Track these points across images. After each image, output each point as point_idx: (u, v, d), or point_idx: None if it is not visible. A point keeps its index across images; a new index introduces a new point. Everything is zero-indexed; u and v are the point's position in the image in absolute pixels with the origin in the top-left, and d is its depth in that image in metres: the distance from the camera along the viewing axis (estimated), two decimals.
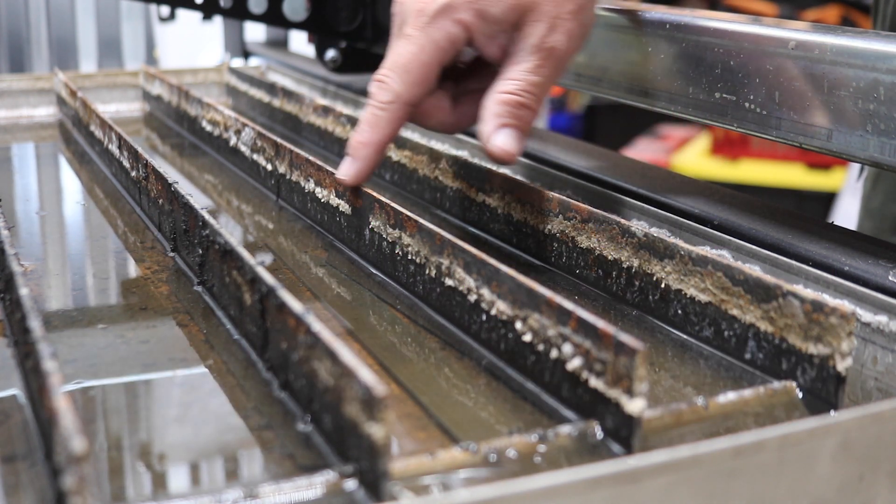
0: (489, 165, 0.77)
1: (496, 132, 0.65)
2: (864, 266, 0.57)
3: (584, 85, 0.77)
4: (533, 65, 0.65)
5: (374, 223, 0.67)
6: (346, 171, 0.68)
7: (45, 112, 1.24)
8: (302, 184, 0.78)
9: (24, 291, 0.51)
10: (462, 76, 0.71)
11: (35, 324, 0.47)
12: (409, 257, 0.62)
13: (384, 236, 0.65)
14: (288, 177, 0.81)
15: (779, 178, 3.01)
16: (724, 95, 0.63)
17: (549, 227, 0.67)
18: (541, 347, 0.49)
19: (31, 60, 1.88)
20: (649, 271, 0.59)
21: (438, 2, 0.65)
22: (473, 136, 0.94)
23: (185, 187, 0.68)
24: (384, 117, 0.66)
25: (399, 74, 0.65)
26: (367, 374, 0.40)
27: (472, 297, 0.55)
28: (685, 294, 0.56)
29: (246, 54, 1.62)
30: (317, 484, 0.41)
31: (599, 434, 0.45)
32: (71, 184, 0.97)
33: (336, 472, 0.41)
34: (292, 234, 0.76)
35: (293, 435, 0.46)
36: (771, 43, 0.60)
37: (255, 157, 0.89)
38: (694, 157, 3.24)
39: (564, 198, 0.66)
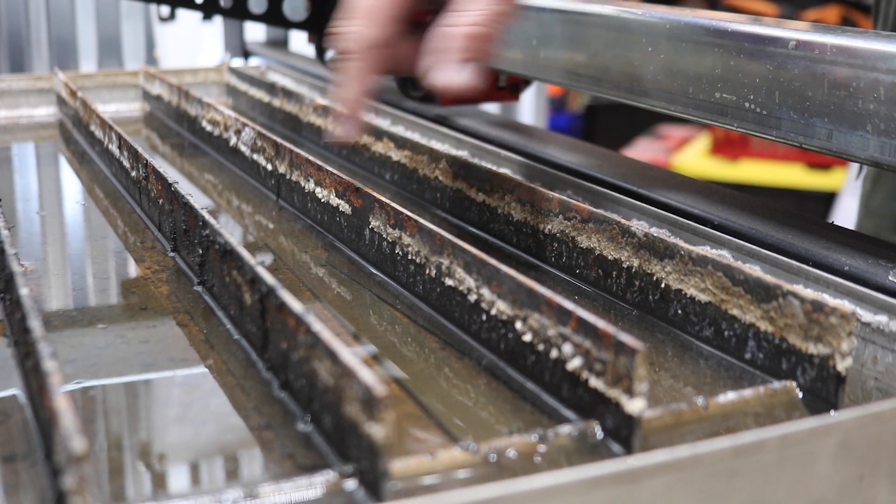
0: (489, 165, 0.77)
1: (450, 68, 0.59)
2: (864, 266, 0.57)
3: (584, 85, 0.77)
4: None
5: (374, 223, 0.67)
6: (345, 130, 0.65)
7: (45, 112, 1.24)
8: (302, 184, 0.78)
9: (24, 291, 0.51)
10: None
11: (35, 324, 0.47)
12: (409, 257, 0.62)
13: (384, 236, 0.65)
14: (288, 177, 0.81)
15: (779, 178, 3.01)
16: (724, 95, 0.63)
17: (549, 227, 0.67)
18: (541, 347, 0.49)
19: (31, 60, 1.88)
20: (649, 271, 0.59)
21: None
22: (473, 135, 0.94)
23: (185, 187, 0.68)
24: (361, 64, 0.61)
25: (365, 19, 0.61)
26: (367, 374, 0.40)
27: (472, 297, 0.55)
28: (685, 294, 0.56)
29: (246, 54, 1.62)
30: (317, 484, 0.41)
31: (599, 434, 0.45)
32: (71, 184, 0.97)
33: (336, 472, 0.41)
34: (292, 234, 0.76)
35: (293, 435, 0.46)
36: (771, 43, 0.60)
37: (255, 157, 0.89)
38: (694, 157, 3.24)
39: (564, 198, 0.66)
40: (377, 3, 0.61)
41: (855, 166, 1.30)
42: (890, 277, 0.55)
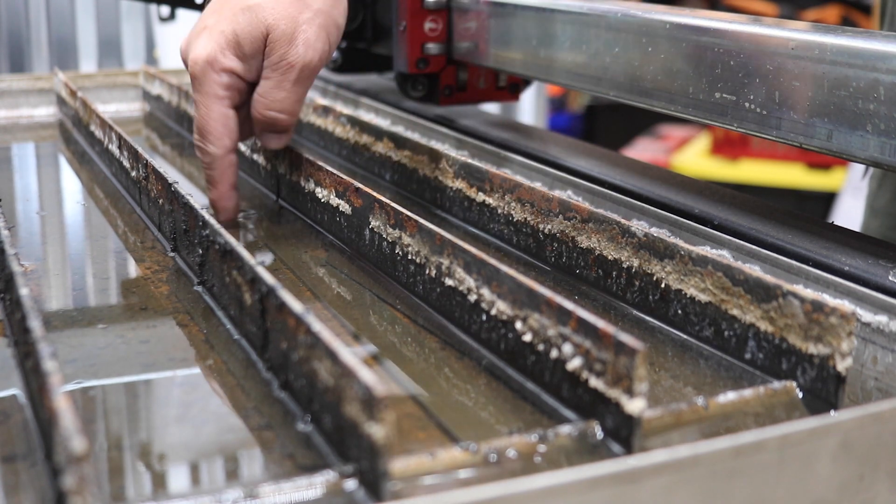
0: (489, 166, 0.77)
1: (261, 135, 0.78)
2: (864, 266, 0.57)
3: (584, 85, 0.77)
4: (274, 82, 0.75)
5: (374, 223, 0.67)
6: (223, 217, 0.77)
7: (45, 112, 1.24)
8: (302, 184, 0.78)
9: (24, 291, 0.51)
10: None
11: (35, 324, 0.47)
12: (409, 257, 0.62)
13: (384, 236, 0.65)
14: (288, 177, 0.81)
15: (779, 178, 3.01)
16: (724, 95, 0.63)
17: (549, 227, 0.67)
18: (541, 347, 0.49)
19: (31, 60, 1.88)
20: (649, 271, 0.59)
21: (200, 60, 0.74)
22: (473, 135, 0.94)
23: (185, 187, 0.68)
24: (218, 171, 0.76)
25: (205, 136, 0.75)
26: (367, 374, 0.40)
27: (472, 297, 0.55)
28: (685, 294, 0.56)
29: None
30: (317, 484, 0.41)
31: (599, 434, 0.45)
32: (71, 184, 0.97)
33: (336, 472, 0.41)
34: (292, 234, 0.76)
35: (293, 435, 0.46)
36: (771, 43, 0.60)
37: (255, 157, 0.89)
38: (694, 157, 3.24)
39: (564, 198, 0.66)
40: (210, 122, 0.75)
41: (856, 166, 1.30)
42: (890, 277, 0.55)
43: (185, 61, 0.77)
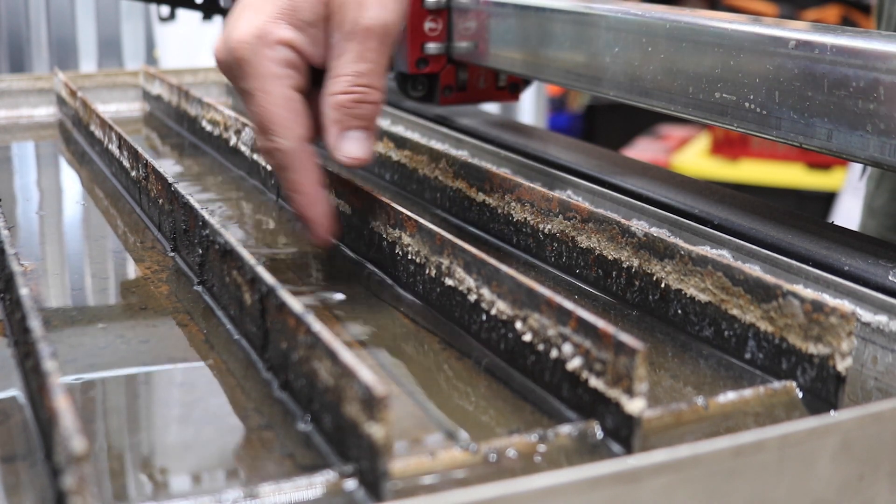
0: (489, 166, 0.77)
1: (339, 139, 0.61)
2: (864, 266, 0.57)
3: (584, 85, 0.77)
4: (355, 53, 0.60)
5: (374, 223, 0.67)
6: (318, 235, 0.64)
7: (45, 112, 1.24)
8: None
9: (24, 291, 0.51)
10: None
11: (35, 324, 0.47)
12: (409, 257, 0.62)
13: (384, 236, 0.65)
14: None
15: (779, 178, 3.01)
16: (724, 95, 0.63)
17: (549, 227, 0.67)
18: (541, 347, 0.49)
19: (31, 60, 1.88)
20: (649, 271, 0.59)
21: (247, 36, 0.60)
22: (473, 135, 0.94)
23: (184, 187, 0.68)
24: (297, 170, 0.61)
25: (269, 128, 0.60)
26: (367, 374, 0.40)
27: (472, 297, 0.55)
28: (685, 294, 0.56)
29: None
30: (317, 484, 0.41)
31: (599, 434, 0.45)
32: (71, 184, 0.97)
33: (336, 472, 0.41)
34: (292, 234, 0.76)
35: (293, 435, 0.46)
36: (771, 43, 0.60)
37: (255, 156, 0.89)
38: (694, 156, 3.24)
39: (564, 198, 0.66)
40: (273, 110, 0.60)
41: (856, 166, 1.30)
42: (890, 277, 0.55)
43: (222, 58, 0.62)
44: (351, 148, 0.61)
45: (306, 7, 0.60)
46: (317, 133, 0.62)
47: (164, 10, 1.57)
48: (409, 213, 0.62)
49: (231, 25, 0.61)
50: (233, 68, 0.61)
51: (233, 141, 0.94)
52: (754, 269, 0.52)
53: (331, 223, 0.63)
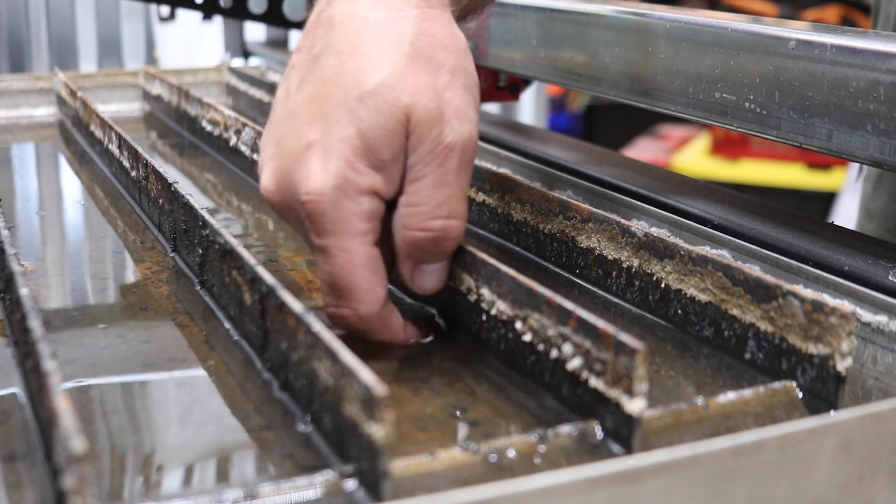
0: (489, 165, 0.77)
1: (415, 274, 0.55)
2: (864, 266, 0.57)
3: (584, 85, 0.77)
4: (435, 178, 0.52)
5: None
6: (405, 337, 0.56)
7: (45, 112, 1.24)
8: None
9: (24, 291, 0.51)
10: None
11: (35, 324, 0.47)
12: None
13: None
14: None
15: (779, 178, 3.01)
16: (724, 95, 0.63)
17: (549, 227, 0.67)
18: (541, 347, 0.49)
19: (31, 60, 1.88)
20: (649, 271, 0.59)
21: (326, 189, 0.51)
22: None
23: (185, 187, 0.68)
24: (377, 330, 0.54)
25: (348, 295, 0.52)
26: (367, 374, 0.40)
27: (472, 297, 0.55)
28: (685, 294, 0.56)
29: (246, 54, 1.62)
30: (317, 484, 0.41)
31: (599, 434, 0.45)
32: (71, 184, 0.97)
33: (336, 472, 0.41)
34: (292, 234, 0.76)
35: (293, 435, 0.46)
36: (771, 43, 0.60)
37: (255, 156, 0.89)
38: (694, 157, 3.24)
39: (564, 198, 0.66)
40: (365, 275, 0.52)
41: (856, 166, 1.30)
42: (890, 277, 0.55)
43: (283, 204, 0.53)
44: (426, 282, 0.55)
45: (384, 142, 0.51)
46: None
47: (164, 10, 1.57)
48: None
49: (289, 169, 0.52)
50: (300, 218, 0.53)
51: (233, 141, 0.94)
52: (754, 269, 0.52)
53: (413, 331, 0.57)
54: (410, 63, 0.52)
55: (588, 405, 0.45)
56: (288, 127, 0.53)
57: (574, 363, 0.46)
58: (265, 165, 0.54)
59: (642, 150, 3.33)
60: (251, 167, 0.90)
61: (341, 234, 0.51)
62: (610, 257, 0.62)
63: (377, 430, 0.39)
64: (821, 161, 2.94)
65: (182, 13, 1.56)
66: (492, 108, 1.84)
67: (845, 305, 0.47)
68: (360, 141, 0.51)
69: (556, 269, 0.66)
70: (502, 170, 0.83)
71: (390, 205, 0.53)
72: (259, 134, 0.87)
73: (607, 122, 3.81)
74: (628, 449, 0.43)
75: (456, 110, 0.52)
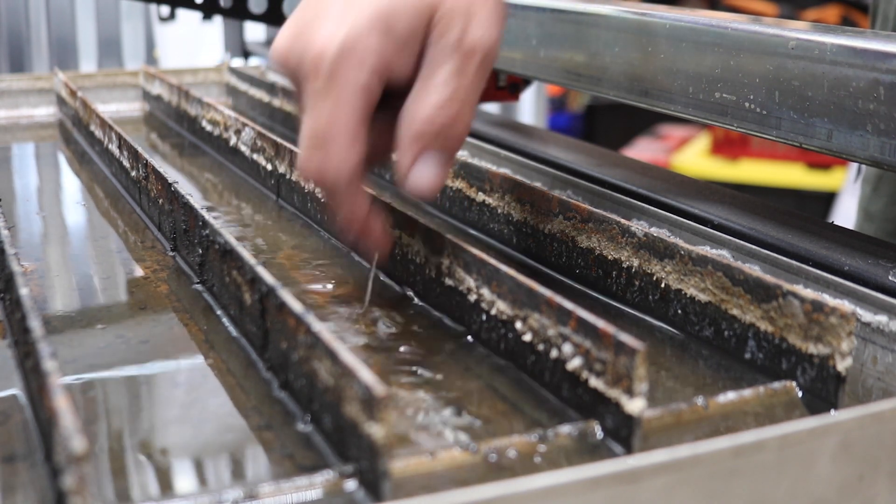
0: (489, 165, 0.77)
1: (415, 163, 0.54)
2: (864, 266, 0.57)
3: (584, 85, 0.77)
4: (453, 69, 0.52)
5: None
6: (374, 249, 0.59)
7: (45, 112, 1.24)
8: (302, 183, 0.78)
9: (24, 291, 0.51)
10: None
11: (35, 324, 0.47)
12: (409, 257, 0.62)
13: None
14: (288, 177, 0.81)
15: (779, 178, 3.01)
16: (724, 95, 0.63)
17: (549, 227, 0.67)
18: (541, 347, 0.49)
19: (31, 60, 1.88)
20: (649, 271, 0.59)
21: (332, 46, 0.51)
22: (473, 135, 0.94)
23: (185, 187, 0.68)
24: (352, 192, 0.54)
25: (323, 145, 0.53)
26: (367, 374, 0.40)
27: (472, 297, 0.55)
28: (685, 294, 0.56)
29: (246, 54, 1.62)
30: (317, 484, 0.41)
31: (599, 434, 0.45)
32: (71, 184, 0.97)
33: (336, 472, 0.41)
34: (292, 234, 0.76)
35: (293, 435, 0.46)
36: (771, 43, 0.60)
37: (255, 156, 0.89)
38: (694, 157, 3.24)
39: (564, 198, 0.66)
40: (345, 132, 0.52)
41: (855, 166, 1.30)
42: (890, 277, 0.55)
43: (289, 61, 0.54)
44: (425, 173, 0.54)
45: (404, 17, 0.52)
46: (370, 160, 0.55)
47: (164, 10, 1.57)
48: (409, 213, 0.62)
49: (308, 23, 0.53)
50: (301, 74, 0.53)
51: (233, 141, 0.94)
52: (754, 269, 0.52)
53: (388, 240, 0.59)
54: None
55: (588, 405, 0.45)
56: (311, 7, 0.54)
57: (574, 363, 0.46)
58: (281, 31, 0.55)
59: (642, 150, 3.33)
60: (251, 167, 0.90)
61: (336, 89, 0.51)
62: (610, 257, 0.62)
63: (377, 430, 0.39)
64: (821, 161, 2.94)
65: (182, 13, 1.56)
66: (492, 108, 1.84)
67: (845, 305, 0.47)
68: (379, 13, 0.51)
69: (553, 273, 0.66)
70: (502, 170, 0.83)
71: (391, 107, 0.54)
72: (259, 134, 0.87)
73: (607, 122, 3.81)
74: (628, 449, 0.43)
75: (482, 19, 0.53)
